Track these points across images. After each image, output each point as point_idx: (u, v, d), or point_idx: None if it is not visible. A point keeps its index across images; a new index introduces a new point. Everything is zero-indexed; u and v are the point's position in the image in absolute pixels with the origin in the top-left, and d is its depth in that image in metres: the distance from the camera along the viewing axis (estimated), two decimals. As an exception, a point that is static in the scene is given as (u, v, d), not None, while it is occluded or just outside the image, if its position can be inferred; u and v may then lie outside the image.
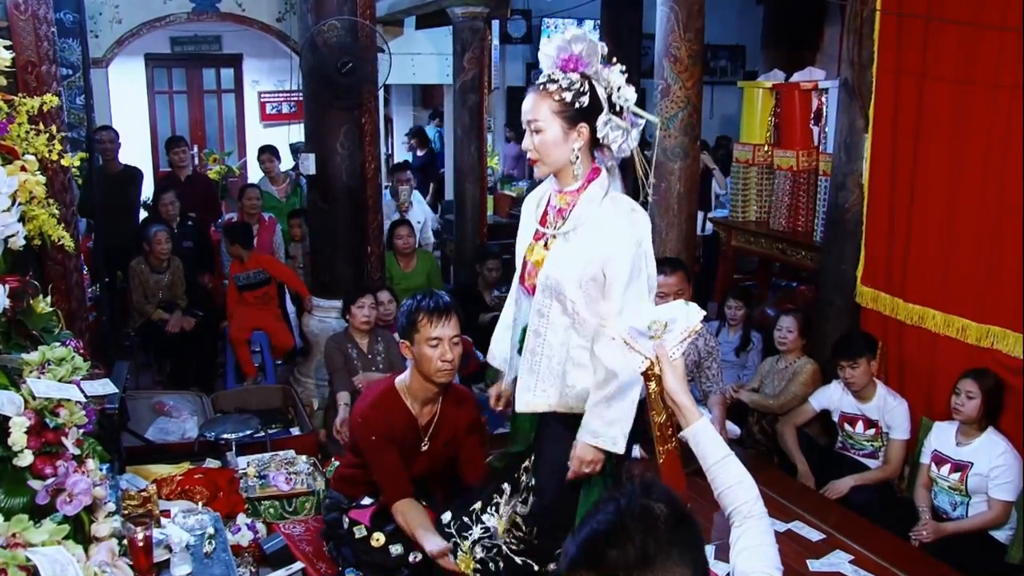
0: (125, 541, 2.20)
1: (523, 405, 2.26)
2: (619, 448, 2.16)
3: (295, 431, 4.55)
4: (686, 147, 4.44)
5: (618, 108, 2.09)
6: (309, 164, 5.01)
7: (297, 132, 6.94)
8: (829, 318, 4.41)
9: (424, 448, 2.70)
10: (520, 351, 2.28)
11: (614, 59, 2.11)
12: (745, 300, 5.15)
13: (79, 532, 1.89)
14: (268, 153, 6.85)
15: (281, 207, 6.65)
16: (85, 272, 4.31)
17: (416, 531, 2.53)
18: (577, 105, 2.05)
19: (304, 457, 3.76)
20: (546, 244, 2.18)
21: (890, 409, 3.80)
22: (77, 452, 1.94)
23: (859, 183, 4.18)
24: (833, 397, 4.00)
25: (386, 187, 7.02)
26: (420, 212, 7.03)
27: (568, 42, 2.06)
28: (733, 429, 4.10)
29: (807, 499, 3.70)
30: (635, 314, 1.75)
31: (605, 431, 2.14)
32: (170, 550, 2.35)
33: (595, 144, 2.12)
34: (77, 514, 1.86)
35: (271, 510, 3.42)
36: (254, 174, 7.98)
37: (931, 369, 3.84)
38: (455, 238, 7.04)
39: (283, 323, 5.85)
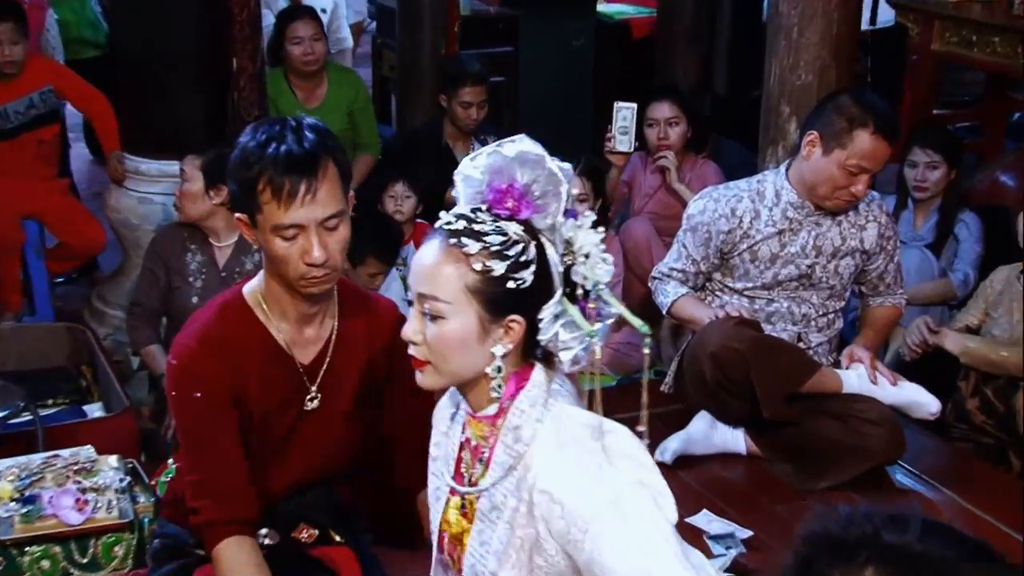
0: None
1: None
2: None
3: (94, 410, 4.52)
4: None
5: (580, 292, 2.08)
6: None
7: None
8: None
9: (311, 406, 2.65)
10: None
11: (583, 196, 2.34)
12: (948, 152, 4.83)
13: None
14: None
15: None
16: None
17: None
18: (511, 284, 2.01)
19: (113, 459, 3.58)
20: (464, 509, 2.24)
21: None
22: None
23: None
24: None
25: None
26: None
27: (511, 161, 1.99)
28: (927, 402, 3.86)
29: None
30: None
31: None
32: None
33: (531, 348, 2.13)
34: None
35: (45, 563, 3.27)
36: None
37: None
38: (399, 46, 6.62)
39: (74, 201, 5.74)
